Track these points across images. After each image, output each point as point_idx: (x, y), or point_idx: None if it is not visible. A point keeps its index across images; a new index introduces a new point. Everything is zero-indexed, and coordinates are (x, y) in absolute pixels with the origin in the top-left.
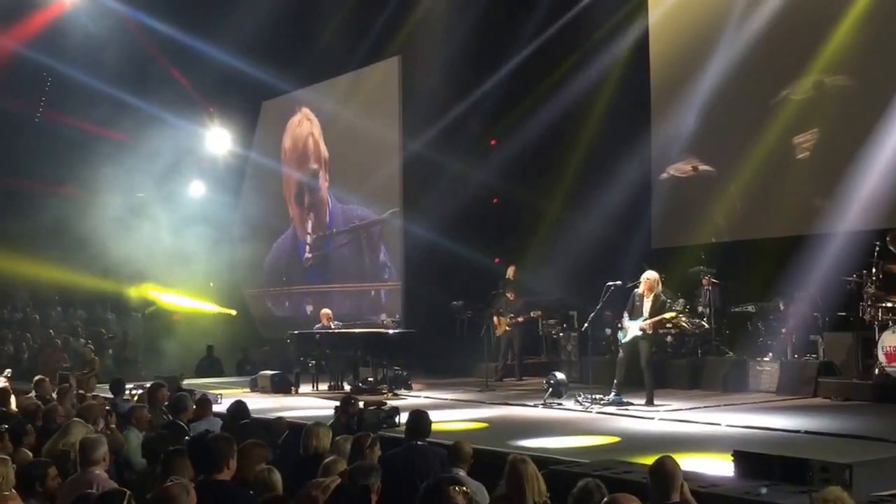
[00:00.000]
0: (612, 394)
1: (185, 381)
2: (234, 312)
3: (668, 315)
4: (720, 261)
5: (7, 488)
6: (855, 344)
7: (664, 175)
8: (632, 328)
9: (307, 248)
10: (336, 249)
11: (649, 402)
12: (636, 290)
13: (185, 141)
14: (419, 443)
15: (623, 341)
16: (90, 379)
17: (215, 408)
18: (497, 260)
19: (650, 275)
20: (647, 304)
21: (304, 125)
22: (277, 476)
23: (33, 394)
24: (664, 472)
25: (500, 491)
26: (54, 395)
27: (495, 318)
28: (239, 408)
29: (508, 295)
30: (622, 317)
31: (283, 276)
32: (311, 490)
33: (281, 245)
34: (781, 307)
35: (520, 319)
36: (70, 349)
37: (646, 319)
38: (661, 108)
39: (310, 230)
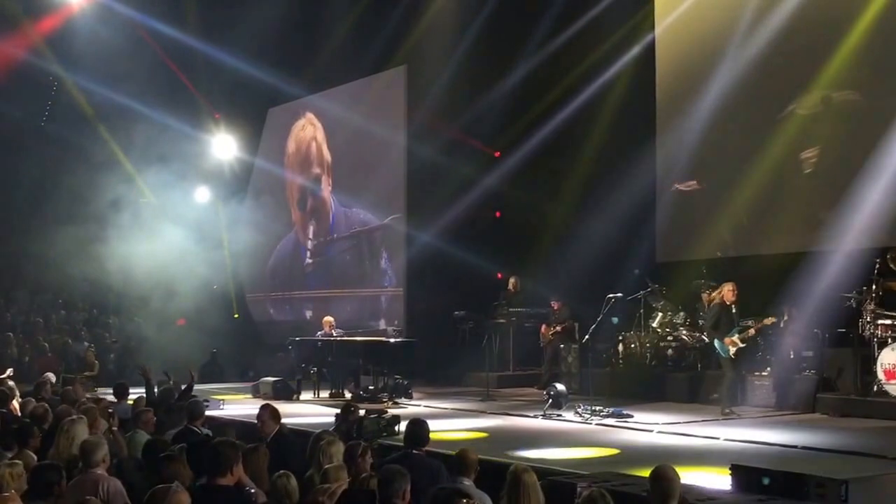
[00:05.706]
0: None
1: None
2: (236, 315)
3: (768, 321)
4: (721, 275)
5: (16, 490)
6: (854, 360)
7: (669, 189)
8: (733, 341)
9: (308, 252)
10: (337, 255)
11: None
12: (717, 302)
13: (191, 147)
14: (415, 452)
15: (729, 356)
16: (87, 381)
17: (215, 413)
18: (500, 275)
19: (732, 285)
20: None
21: (308, 129)
22: (294, 483)
23: (34, 397)
24: (665, 478)
25: (503, 502)
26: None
27: (542, 327)
28: None
29: (553, 304)
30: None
31: (284, 280)
32: (318, 496)
33: (282, 249)
34: (781, 323)
35: (557, 329)
36: (71, 352)
37: (742, 330)
38: (666, 121)
39: (311, 235)
